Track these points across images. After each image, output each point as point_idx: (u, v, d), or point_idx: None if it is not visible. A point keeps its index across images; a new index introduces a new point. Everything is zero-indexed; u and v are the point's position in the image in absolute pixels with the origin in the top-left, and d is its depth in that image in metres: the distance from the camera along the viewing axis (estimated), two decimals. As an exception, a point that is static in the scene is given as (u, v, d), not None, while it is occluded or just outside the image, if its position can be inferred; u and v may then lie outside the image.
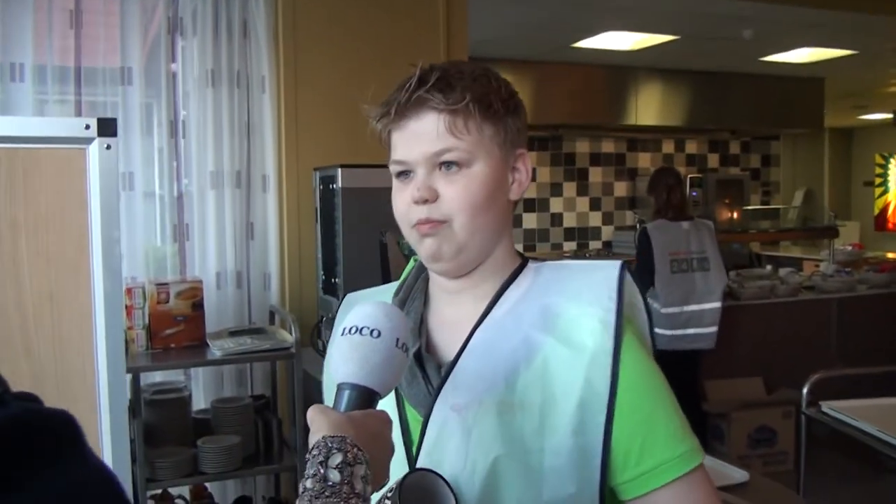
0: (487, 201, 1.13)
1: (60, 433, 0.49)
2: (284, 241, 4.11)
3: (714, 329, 4.74)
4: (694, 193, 8.26)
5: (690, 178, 8.39)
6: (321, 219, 3.83)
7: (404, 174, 1.16)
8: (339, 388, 0.96)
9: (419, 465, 1.12)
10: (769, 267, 6.89)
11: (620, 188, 9.00)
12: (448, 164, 1.12)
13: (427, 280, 1.25)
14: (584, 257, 7.54)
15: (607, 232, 8.89)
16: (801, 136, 10.36)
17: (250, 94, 4.05)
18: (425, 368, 1.15)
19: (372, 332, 0.97)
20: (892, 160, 11.57)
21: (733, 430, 5.08)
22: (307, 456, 0.87)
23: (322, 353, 3.69)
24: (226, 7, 3.97)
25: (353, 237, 3.53)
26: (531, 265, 1.21)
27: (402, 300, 1.24)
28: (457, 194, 1.12)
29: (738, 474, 2.54)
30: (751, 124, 8.70)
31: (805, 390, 3.26)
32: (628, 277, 1.13)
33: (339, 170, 3.55)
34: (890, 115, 9.99)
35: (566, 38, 6.36)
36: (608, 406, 1.05)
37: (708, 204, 8.32)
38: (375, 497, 0.96)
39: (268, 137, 4.05)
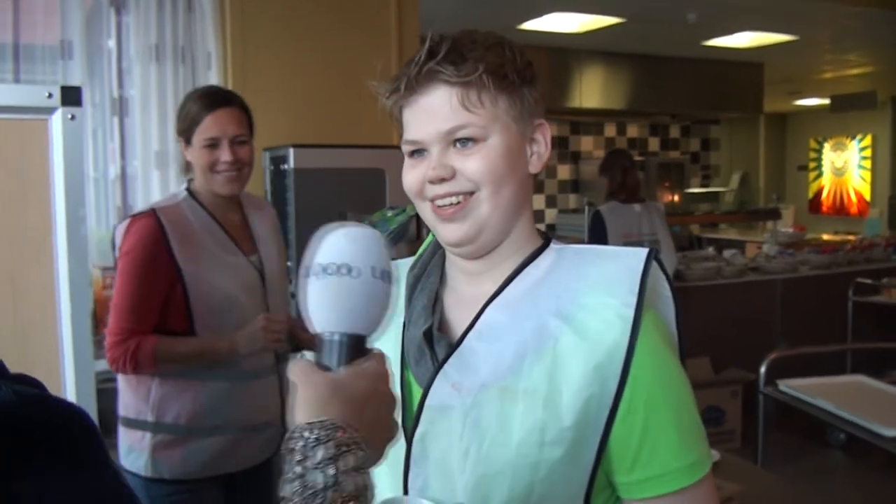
0: (508, 173, 1.08)
1: (61, 429, 0.46)
2: (233, 223, 3.99)
3: (663, 310, 4.78)
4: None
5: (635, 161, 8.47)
6: (272, 200, 3.73)
7: (417, 153, 1.11)
8: (320, 339, 0.85)
9: (413, 447, 1.09)
10: (711, 248, 6.99)
11: (564, 171, 9.03)
12: (463, 141, 1.07)
13: (444, 257, 1.19)
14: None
15: (551, 215, 8.93)
16: (739, 121, 10.52)
17: (195, 70, 3.92)
18: (434, 347, 1.11)
19: (340, 268, 0.84)
20: (825, 145, 11.83)
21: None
22: (283, 449, 0.75)
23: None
24: (170, -21, 3.83)
25: (306, 219, 3.45)
26: (553, 246, 1.15)
27: (417, 276, 1.19)
28: (476, 166, 1.06)
29: (711, 454, 2.54)
30: (691, 108, 8.81)
31: (762, 370, 3.28)
32: (654, 266, 1.08)
33: (291, 150, 3.47)
34: (825, 101, 10.21)
35: (513, 19, 6.32)
36: (612, 403, 1.01)
37: (649, 187, 8.40)
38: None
39: (215, 116, 3.92)
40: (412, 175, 1.11)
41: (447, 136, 1.07)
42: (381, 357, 0.89)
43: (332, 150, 3.60)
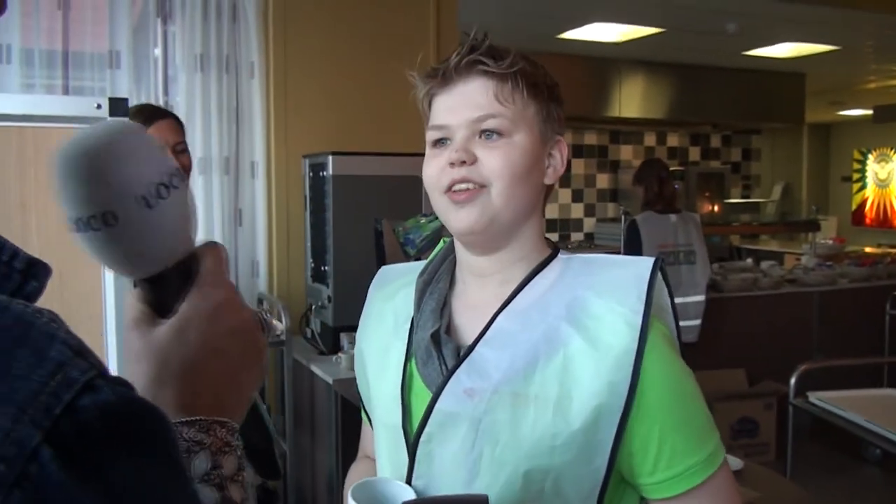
0: (525, 174, 1.12)
1: (149, 427, 0.46)
2: (273, 228, 4.08)
3: (698, 322, 4.77)
4: (676, 186, 8.30)
5: (672, 170, 8.43)
6: (310, 206, 3.81)
7: (441, 142, 1.14)
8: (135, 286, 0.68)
9: (418, 448, 1.11)
10: (749, 260, 6.95)
11: (602, 180, 9.03)
12: (489, 134, 1.11)
13: (454, 262, 1.23)
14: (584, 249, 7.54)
15: (589, 224, 8.93)
16: (781, 131, 10.43)
17: (239, 79, 4.02)
18: (441, 350, 1.14)
19: (97, 218, 0.61)
20: (869, 156, 11.68)
21: (716, 420, 5.09)
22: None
23: (311, 341, 3.68)
24: (215, -9, 3.93)
25: (343, 225, 3.52)
26: (561, 255, 1.19)
27: (427, 281, 1.22)
28: (496, 160, 1.10)
29: (733, 462, 2.56)
30: (732, 118, 8.75)
31: (793, 381, 3.29)
32: (659, 276, 1.11)
33: (330, 157, 3.54)
34: (868, 112, 10.09)
35: (554, 29, 6.36)
36: (623, 409, 1.04)
37: (689, 197, 8.36)
38: None
39: (257, 123, 4.02)
40: (433, 164, 1.14)
41: (475, 123, 1.11)
42: (212, 265, 0.70)
43: (370, 157, 3.67)
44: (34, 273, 0.49)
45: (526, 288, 1.14)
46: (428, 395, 1.13)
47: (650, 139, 9.32)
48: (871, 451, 4.78)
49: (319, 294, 3.65)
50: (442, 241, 1.28)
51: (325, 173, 3.57)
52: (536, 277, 1.15)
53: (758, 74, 8.30)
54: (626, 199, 8.56)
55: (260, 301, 4.01)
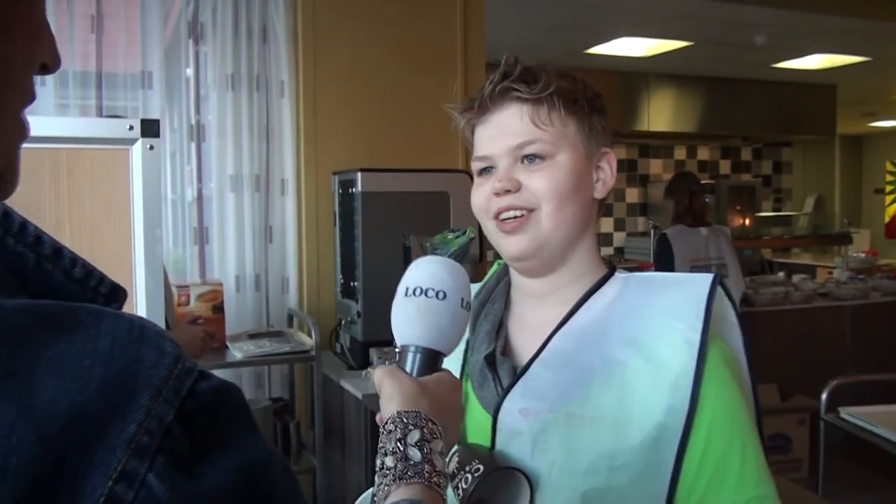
0: (572, 192, 1.11)
1: (239, 402, 0.56)
2: (303, 244, 4.12)
3: (730, 335, 4.73)
4: (707, 200, 8.26)
5: (702, 184, 8.39)
6: (339, 222, 3.84)
7: (486, 171, 1.14)
8: (405, 349, 0.95)
9: None
10: (781, 273, 6.89)
11: (632, 194, 9.00)
12: (531, 158, 1.10)
13: (509, 284, 1.22)
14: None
15: (619, 238, 8.90)
16: (812, 143, 10.34)
17: (269, 97, 4.07)
18: (497, 371, 1.13)
19: (438, 293, 0.95)
20: (903, 167, 11.56)
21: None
22: (382, 429, 0.86)
23: (340, 356, 3.71)
24: (246, 11, 3.99)
25: (372, 241, 3.54)
26: (618, 274, 1.17)
27: (482, 302, 1.22)
28: (541, 182, 1.09)
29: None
30: (763, 131, 8.70)
31: (824, 396, 3.25)
32: (720, 292, 1.09)
33: (359, 174, 3.56)
34: (901, 123, 9.99)
35: (581, 44, 6.38)
36: (683, 429, 1.01)
37: (720, 210, 8.32)
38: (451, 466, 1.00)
39: (287, 141, 4.07)
40: (480, 192, 1.14)
41: (516, 150, 1.10)
42: (456, 379, 0.98)
43: (399, 174, 3.70)
44: (115, 297, 0.59)
45: (583, 308, 1.13)
46: (483, 417, 1.12)
47: (680, 153, 9.29)
48: (906, 467, 4.71)
49: (349, 309, 3.68)
50: (497, 262, 1.27)
51: (354, 190, 3.59)
52: (593, 297, 1.14)
53: (788, 86, 8.25)
54: (655, 213, 8.53)
55: (290, 317, 4.05)
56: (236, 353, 3.39)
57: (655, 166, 9.13)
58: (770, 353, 5.28)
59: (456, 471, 1.03)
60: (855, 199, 11.93)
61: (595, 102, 1.15)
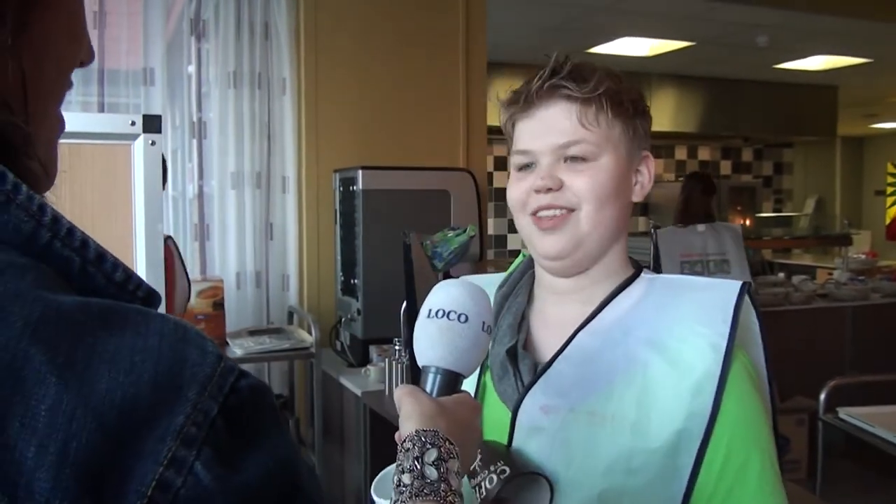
0: (612, 195, 1.09)
1: (272, 402, 0.59)
2: (303, 242, 4.13)
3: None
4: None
5: (710, 183, 8.39)
6: (340, 220, 3.85)
7: (526, 167, 1.13)
8: (425, 369, 0.96)
9: None
10: (781, 274, 6.89)
11: (633, 194, 8.99)
12: (574, 159, 1.09)
13: (533, 277, 1.21)
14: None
15: (619, 237, 8.88)
16: (813, 144, 10.35)
17: (271, 95, 4.07)
18: (518, 365, 1.13)
19: (459, 316, 0.94)
20: (904, 169, 11.56)
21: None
22: (400, 447, 0.86)
23: (340, 354, 3.71)
24: (248, 8, 3.99)
25: (372, 239, 3.55)
26: (645, 275, 1.16)
27: (506, 294, 1.21)
28: (584, 184, 1.08)
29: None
30: (763, 132, 8.72)
31: (822, 397, 3.25)
32: (747, 299, 1.07)
33: (360, 171, 3.57)
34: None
35: (582, 44, 6.38)
36: (705, 432, 1.01)
37: (720, 211, 8.31)
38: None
39: (288, 139, 4.07)
40: (519, 187, 1.12)
41: (560, 150, 1.09)
42: (475, 401, 0.99)
43: (400, 172, 3.70)
44: (151, 301, 0.61)
45: (608, 306, 1.12)
46: (502, 410, 1.12)
47: (681, 153, 9.30)
48: (905, 468, 4.71)
49: (349, 307, 3.68)
50: (521, 254, 1.26)
51: (355, 187, 3.60)
52: (619, 296, 1.13)
53: (789, 87, 8.26)
54: (656, 213, 8.54)
55: (290, 314, 4.06)
56: (236, 349, 3.40)
57: (657, 166, 9.02)
58: (769, 354, 5.27)
59: (478, 468, 1.03)
60: (855, 201, 11.93)
61: (638, 105, 1.14)
